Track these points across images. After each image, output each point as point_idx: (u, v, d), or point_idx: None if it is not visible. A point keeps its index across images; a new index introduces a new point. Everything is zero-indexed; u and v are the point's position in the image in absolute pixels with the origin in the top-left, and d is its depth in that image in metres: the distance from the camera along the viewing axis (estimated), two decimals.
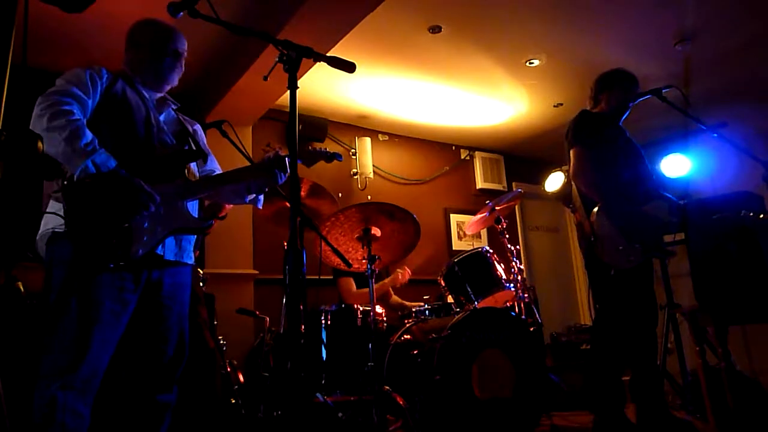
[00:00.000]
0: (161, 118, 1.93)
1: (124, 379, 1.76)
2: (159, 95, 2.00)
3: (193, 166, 1.94)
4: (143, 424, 1.75)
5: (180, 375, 1.86)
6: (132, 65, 1.95)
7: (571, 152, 2.83)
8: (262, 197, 2.11)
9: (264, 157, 1.96)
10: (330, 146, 5.23)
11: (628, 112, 2.92)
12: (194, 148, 1.92)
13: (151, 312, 1.78)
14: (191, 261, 1.90)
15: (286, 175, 1.90)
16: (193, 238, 1.91)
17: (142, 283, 1.74)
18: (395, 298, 4.01)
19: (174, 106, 2.03)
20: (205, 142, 2.14)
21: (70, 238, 1.59)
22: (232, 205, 2.90)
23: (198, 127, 2.13)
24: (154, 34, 1.94)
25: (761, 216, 2.29)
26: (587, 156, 2.76)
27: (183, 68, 2.02)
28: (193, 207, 1.88)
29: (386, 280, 3.86)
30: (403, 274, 3.84)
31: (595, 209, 2.66)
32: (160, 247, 1.74)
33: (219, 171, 2.09)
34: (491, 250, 3.37)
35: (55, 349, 1.59)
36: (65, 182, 1.62)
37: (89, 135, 1.63)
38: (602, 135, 2.80)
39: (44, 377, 1.57)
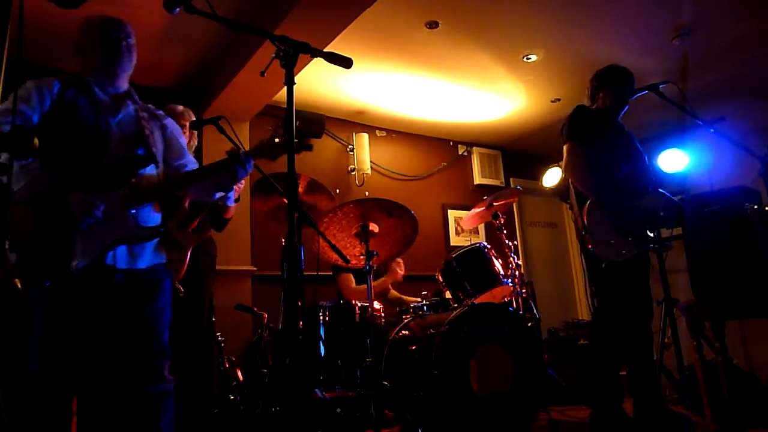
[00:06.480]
0: (118, 118, 1.91)
1: (112, 377, 1.78)
2: (121, 91, 1.98)
3: (146, 170, 1.90)
4: (141, 416, 1.77)
5: (175, 367, 1.87)
6: (86, 69, 1.95)
7: (565, 148, 2.84)
8: (233, 195, 2.11)
9: (259, 142, 1.94)
10: (327, 142, 5.22)
11: (626, 108, 2.93)
12: (147, 152, 1.90)
13: (117, 313, 1.80)
14: (145, 265, 1.87)
15: (246, 171, 1.89)
16: (148, 243, 1.88)
17: (100, 288, 1.77)
18: (393, 292, 4.02)
19: (134, 105, 1.99)
20: (178, 134, 2.09)
21: (15, 251, 1.68)
22: (234, 206, 2.89)
23: (168, 121, 2.09)
24: (93, 32, 1.93)
25: (766, 208, 2.30)
26: (580, 152, 2.77)
27: (134, 52, 1.98)
28: (148, 212, 1.88)
29: (385, 278, 3.87)
30: (399, 265, 3.85)
31: (588, 202, 2.66)
32: (110, 257, 1.76)
33: (192, 165, 2.06)
34: (489, 246, 3.37)
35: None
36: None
37: None
38: (599, 130, 2.81)
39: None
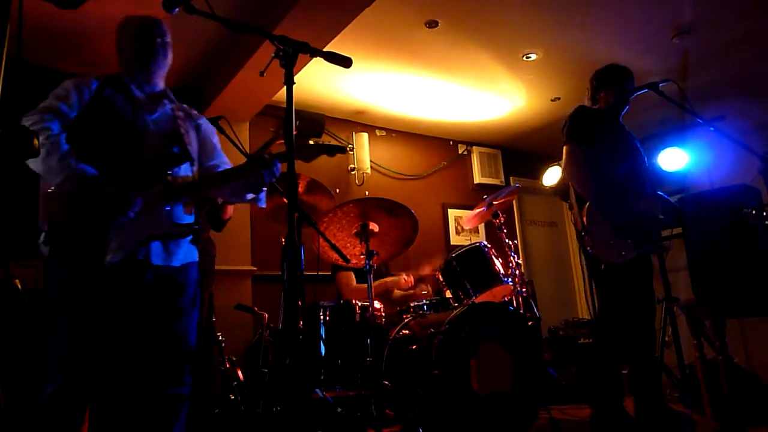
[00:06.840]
0: (154, 116, 1.92)
1: (134, 376, 1.78)
2: (157, 90, 1.99)
3: (181, 169, 1.91)
4: (157, 416, 1.77)
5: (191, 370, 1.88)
6: (124, 68, 1.98)
7: (565, 148, 2.83)
8: (263, 196, 2.09)
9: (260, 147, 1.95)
10: (327, 142, 5.22)
11: (627, 107, 2.93)
12: (182, 150, 1.91)
13: (146, 311, 1.80)
14: (179, 263, 1.87)
15: (273, 174, 1.89)
16: (183, 241, 1.88)
17: (131, 284, 1.76)
18: (398, 292, 4.01)
19: (170, 105, 2.00)
20: (211, 134, 2.12)
21: (50, 245, 1.68)
22: (232, 206, 2.89)
23: (203, 120, 2.11)
24: (130, 31, 1.97)
25: (764, 213, 2.29)
26: (580, 153, 2.76)
27: (169, 50, 2.02)
28: (181, 210, 1.88)
29: (387, 280, 3.87)
30: (407, 280, 3.85)
31: (588, 204, 2.66)
32: (142, 253, 1.76)
33: (225, 165, 2.07)
34: (489, 245, 3.36)
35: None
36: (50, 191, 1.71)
37: (63, 149, 1.70)
38: (599, 130, 2.80)
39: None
